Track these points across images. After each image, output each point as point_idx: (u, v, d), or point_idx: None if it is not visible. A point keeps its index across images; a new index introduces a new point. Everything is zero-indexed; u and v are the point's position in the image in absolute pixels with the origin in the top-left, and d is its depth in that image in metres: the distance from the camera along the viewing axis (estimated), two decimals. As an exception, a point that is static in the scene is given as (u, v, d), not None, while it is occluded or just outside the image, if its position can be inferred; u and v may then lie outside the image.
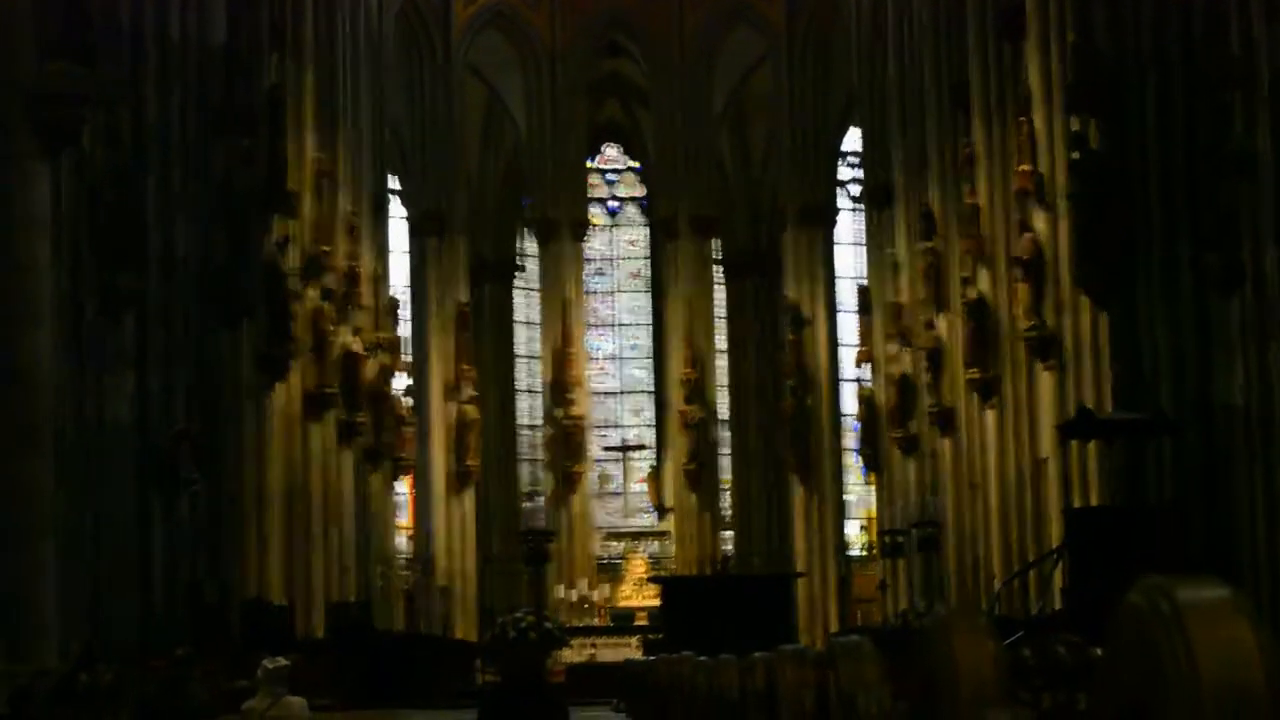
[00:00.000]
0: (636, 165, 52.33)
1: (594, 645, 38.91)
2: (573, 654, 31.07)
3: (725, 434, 50.93)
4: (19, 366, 16.83)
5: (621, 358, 52.63)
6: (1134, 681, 1.52)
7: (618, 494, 51.51)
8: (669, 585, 38.80)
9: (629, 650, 35.58)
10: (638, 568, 48.53)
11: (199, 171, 27.08)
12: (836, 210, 49.63)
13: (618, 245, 52.43)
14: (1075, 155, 28.14)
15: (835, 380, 49.08)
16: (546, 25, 49.13)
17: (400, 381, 44.13)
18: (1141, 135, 26.22)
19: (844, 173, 49.12)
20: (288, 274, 31.78)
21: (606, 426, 51.40)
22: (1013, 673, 13.68)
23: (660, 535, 50.59)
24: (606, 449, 51.37)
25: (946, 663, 2.51)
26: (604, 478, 51.09)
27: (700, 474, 50.27)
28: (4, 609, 16.74)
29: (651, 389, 52.27)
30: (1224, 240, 25.39)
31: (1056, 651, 14.59)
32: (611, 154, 51.96)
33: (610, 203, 52.38)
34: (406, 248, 47.94)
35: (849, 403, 47.98)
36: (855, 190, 48.62)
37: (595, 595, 47.46)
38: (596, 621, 44.78)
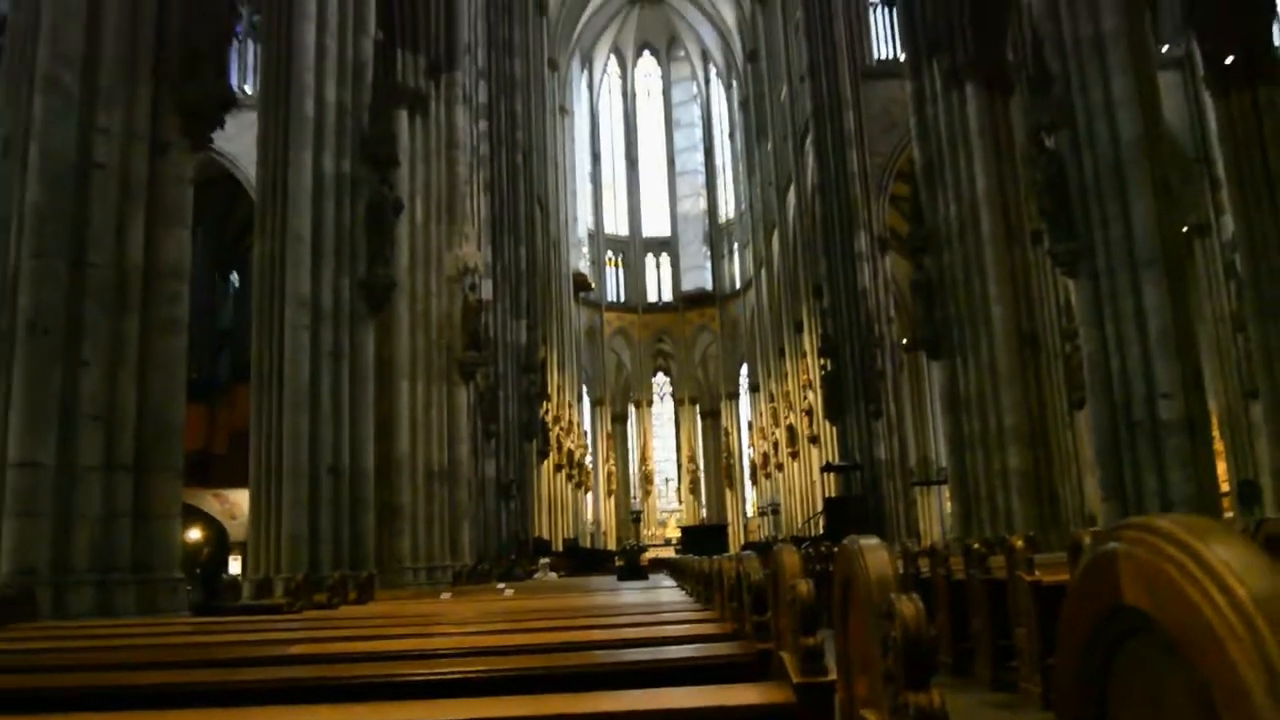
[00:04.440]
0: (670, 380, 51.79)
1: (658, 552, 38.18)
2: (649, 555, 30.71)
3: (702, 475, 50.01)
4: (455, 461, 16.70)
5: (664, 451, 51.76)
6: (844, 570, 1.68)
7: (663, 497, 50.59)
8: (684, 530, 38.34)
9: (670, 552, 34.99)
10: (672, 523, 47.87)
11: (517, 388, 27.08)
12: (739, 394, 49.00)
13: (663, 410, 51.78)
14: (822, 372, 28.01)
15: (741, 454, 48.05)
16: (638, 333, 48.90)
17: (588, 459, 43.69)
18: (846, 364, 26.12)
19: (742, 380, 48.38)
20: (548, 422, 31.78)
21: (659, 474, 50.45)
22: (804, 558, 13.40)
23: (679, 511, 49.83)
24: (661, 482, 50.70)
25: (779, 560, 2.58)
26: (659, 492, 50.22)
27: (694, 489, 49.49)
28: (452, 543, 16.60)
29: (675, 461, 51.40)
30: (875, 400, 25.31)
31: (821, 550, 14.50)
32: (660, 378, 51.30)
33: (660, 394, 51.80)
34: (590, 412, 47.43)
35: (746, 462, 47.03)
36: (745, 386, 47.89)
37: (657, 533, 46.92)
38: (659, 543, 44.03)
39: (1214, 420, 19.77)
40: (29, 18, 7.84)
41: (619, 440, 50.42)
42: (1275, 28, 18.12)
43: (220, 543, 25.14)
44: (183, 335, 8.08)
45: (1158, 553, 0.54)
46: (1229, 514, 19.70)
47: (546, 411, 32.13)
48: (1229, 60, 16.96)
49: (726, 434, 49.41)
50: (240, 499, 21.75)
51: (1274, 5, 17.55)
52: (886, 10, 27.88)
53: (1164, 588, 0.52)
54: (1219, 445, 21.25)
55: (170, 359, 7.92)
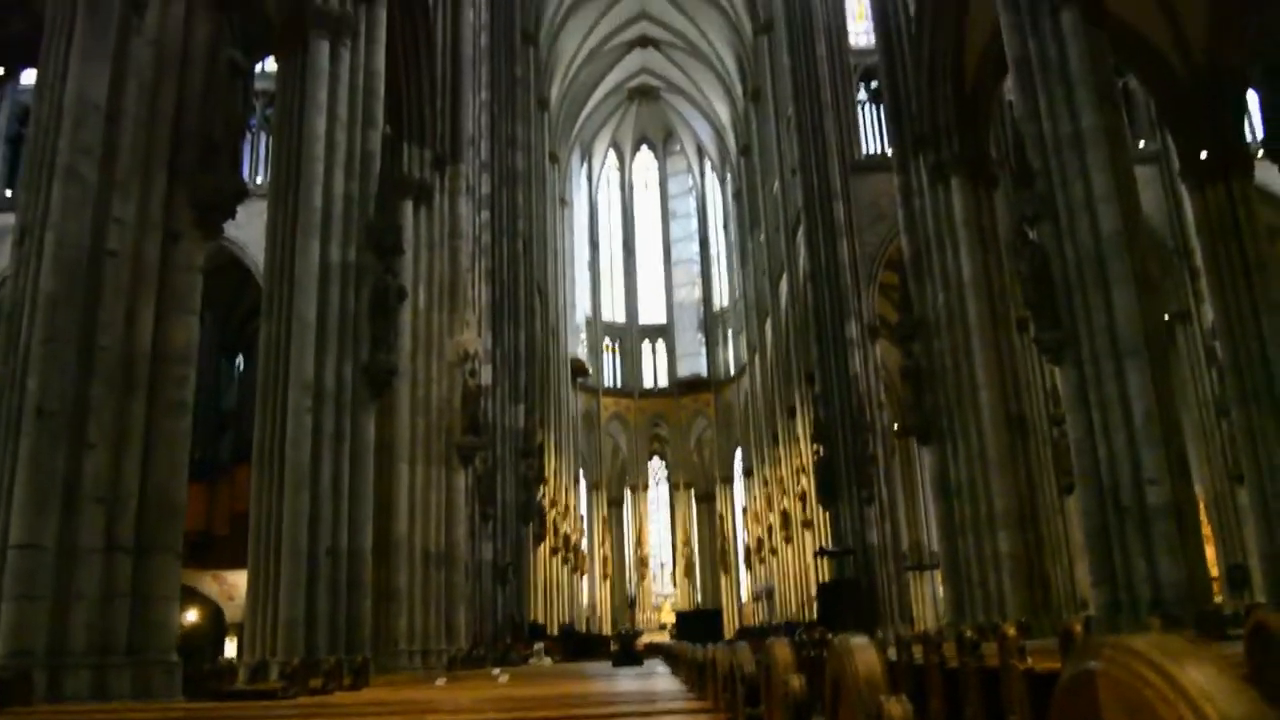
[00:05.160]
0: (665, 464, 51.40)
1: (653, 637, 37.42)
2: (644, 640, 30.06)
3: (697, 559, 49.35)
4: (452, 543, 16.51)
5: (659, 534, 51.08)
6: (835, 668, 1.66)
7: (658, 581, 49.74)
8: (678, 614, 37.72)
9: (665, 637, 34.33)
10: (667, 607, 47.01)
11: (514, 472, 26.85)
12: (734, 479, 48.61)
13: (658, 495, 51.26)
14: (815, 458, 27.84)
15: (735, 537, 47.48)
16: (634, 418, 48.58)
17: (584, 542, 43.11)
18: (838, 449, 25.98)
19: (737, 465, 48.00)
20: (544, 506, 31.46)
21: (654, 558, 49.67)
22: (797, 645, 13.18)
23: (673, 595, 48.96)
24: (656, 566, 49.98)
25: (771, 653, 2.54)
26: (654, 576, 49.35)
27: (689, 573, 48.74)
28: (447, 626, 16.30)
29: (670, 545, 50.66)
30: (867, 485, 25.10)
31: (815, 635, 14.29)
32: (656, 462, 50.89)
33: (655, 478, 51.33)
34: (586, 496, 46.93)
35: (741, 546, 46.42)
36: (740, 471, 47.50)
37: (652, 617, 46.11)
38: (654, 628, 43.25)
39: (1201, 505, 19.63)
40: (52, 111, 7.98)
41: (614, 524, 49.77)
42: (1245, 124, 18.48)
43: (216, 624, 24.74)
44: (187, 418, 8.06)
45: (1134, 674, 0.54)
46: (1218, 599, 19.46)
47: (543, 495, 31.79)
48: (1203, 155, 17.29)
49: (721, 519, 48.92)
50: (239, 580, 21.48)
51: (1243, 103, 17.92)
52: (874, 108, 28.44)
53: (1140, 709, 0.52)
54: (1207, 530, 21.10)
55: (174, 441, 7.90)
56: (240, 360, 29.37)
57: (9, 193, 24.92)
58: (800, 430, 33.38)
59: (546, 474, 32.78)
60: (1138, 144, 25.39)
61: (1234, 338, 16.42)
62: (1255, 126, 25.69)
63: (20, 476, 7.18)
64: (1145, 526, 10.64)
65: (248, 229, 19.02)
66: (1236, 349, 16.36)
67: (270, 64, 18.67)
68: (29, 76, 22.48)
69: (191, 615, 23.59)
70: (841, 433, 26.02)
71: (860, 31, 30.18)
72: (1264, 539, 16.36)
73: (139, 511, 7.61)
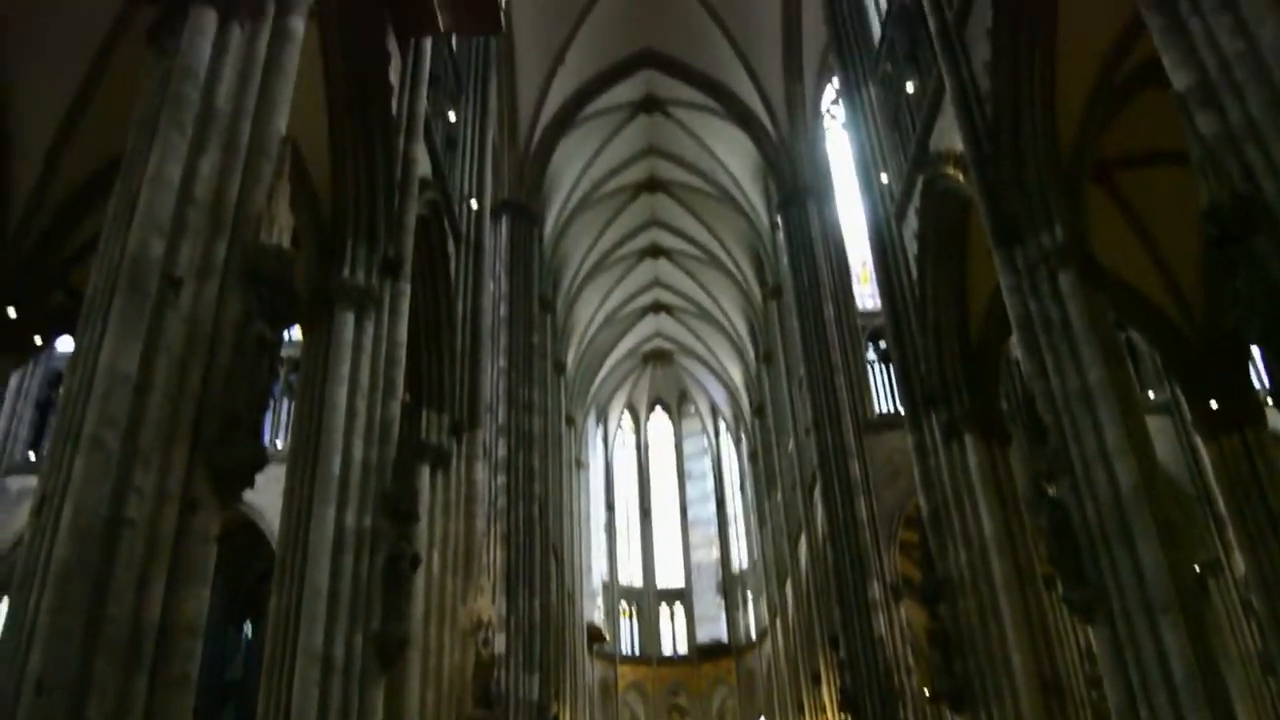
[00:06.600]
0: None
1: None
2: None
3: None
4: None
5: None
6: None
7: None
8: None
9: None
10: None
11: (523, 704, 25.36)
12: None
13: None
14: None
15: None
16: (653, 687, 46.11)
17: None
18: (867, 719, 24.63)
19: None
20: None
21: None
22: None
23: None
24: None
25: None
26: None
27: None
28: None
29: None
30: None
31: None
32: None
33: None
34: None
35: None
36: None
37: None
38: None
39: (1260, 774, 18.40)
40: (83, 381, 8.24)
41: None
42: (1251, 372, 18.73)
43: None
44: (191, 693, 7.81)
45: None
46: None
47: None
48: (1213, 405, 17.43)
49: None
50: None
51: (1246, 353, 18.23)
52: (884, 367, 29.12)
53: None
54: (1270, 802, 19.70)
55: (175, 719, 7.63)
56: (248, 628, 28.77)
57: (33, 456, 25.41)
58: (826, 698, 31.83)
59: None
60: (1147, 395, 25.74)
61: (1268, 589, 15.98)
62: (1262, 373, 26.21)
63: (12, 759, 6.91)
64: (1201, 799, 9.98)
65: (265, 493, 19.12)
66: (1273, 601, 15.88)
67: (296, 332, 19.36)
68: (62, 343, 23.31)
69: None
70: (869, 700, 24.76)
71: (867, 294, 31.43)
72: (1333, 811, 15.25)
73: (132, 798, 7.25)
